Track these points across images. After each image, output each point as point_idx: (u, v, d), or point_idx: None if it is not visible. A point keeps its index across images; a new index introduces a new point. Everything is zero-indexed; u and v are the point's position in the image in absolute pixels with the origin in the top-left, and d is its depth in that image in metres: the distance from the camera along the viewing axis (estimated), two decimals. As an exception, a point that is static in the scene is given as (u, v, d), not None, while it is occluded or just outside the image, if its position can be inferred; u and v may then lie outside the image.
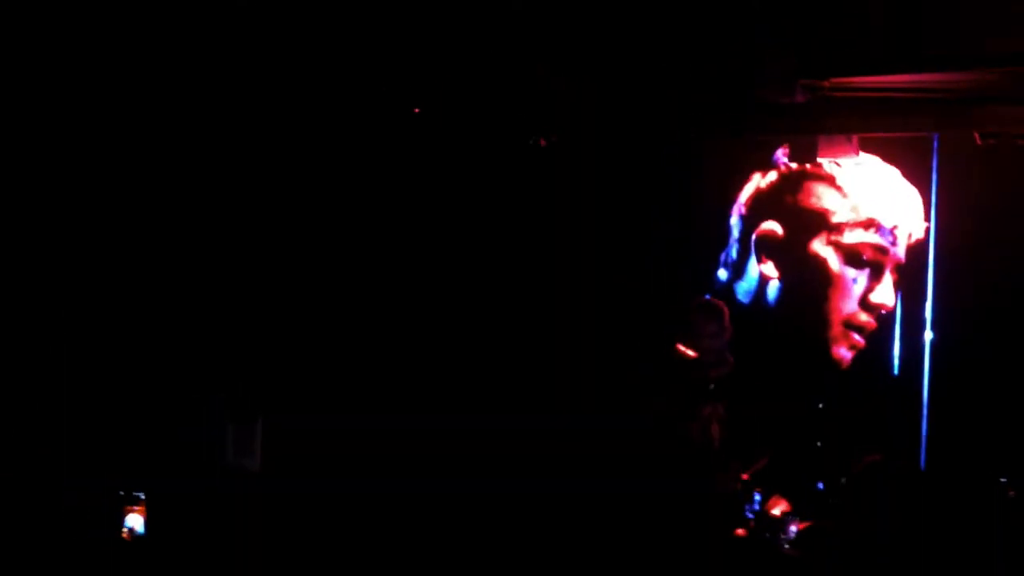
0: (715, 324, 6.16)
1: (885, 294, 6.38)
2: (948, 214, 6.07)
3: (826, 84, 5.57)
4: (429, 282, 6.33)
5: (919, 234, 6.32)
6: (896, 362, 6.33)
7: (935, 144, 6.01)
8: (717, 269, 6.58)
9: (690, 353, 6.18)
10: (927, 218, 6.22)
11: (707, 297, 6.41)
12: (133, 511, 5.93)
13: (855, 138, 5.85)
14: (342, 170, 6.26)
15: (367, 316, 6.33)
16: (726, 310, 6.22)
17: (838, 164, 6.35)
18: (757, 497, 6.18)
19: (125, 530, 5.90)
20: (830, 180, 6.40)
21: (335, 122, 6.25)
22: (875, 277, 6.40)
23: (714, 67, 5.71)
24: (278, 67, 5.97)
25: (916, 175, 6.18)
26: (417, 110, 6.16)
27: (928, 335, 6.20)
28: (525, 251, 6.30)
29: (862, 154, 6.10)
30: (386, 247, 6.32)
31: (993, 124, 5.49)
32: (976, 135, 5.56)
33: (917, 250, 6.28)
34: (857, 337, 6.40)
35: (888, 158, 6.20)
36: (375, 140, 6.26)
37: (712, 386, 6.10)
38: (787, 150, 6.31)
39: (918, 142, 6.04)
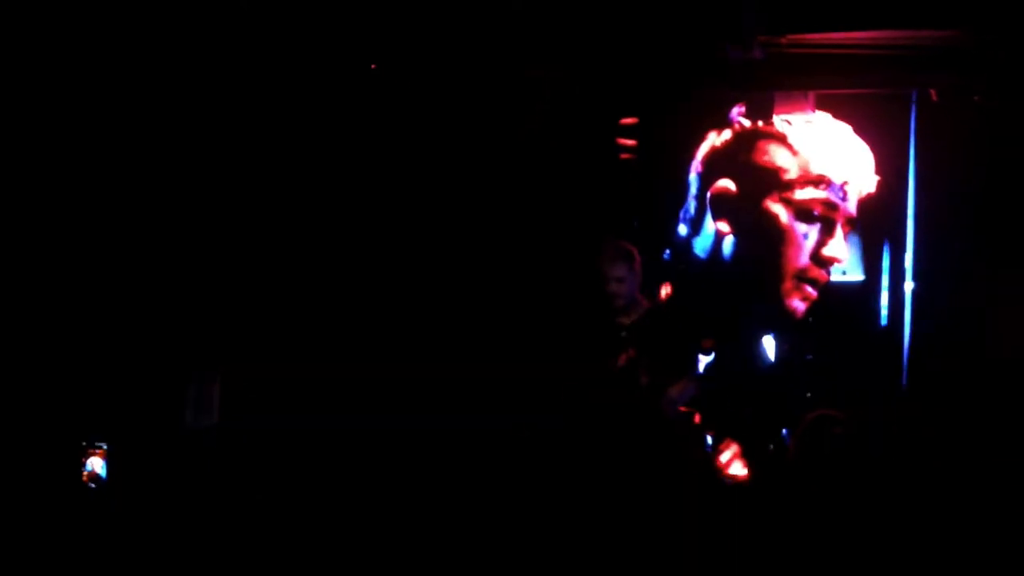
0: (624, 268, 6.21)
1: (836, 248, 6.54)
2: (927, 167, 6.21)
3: (783, 41, 5.73)
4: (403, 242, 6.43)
5: (870, 189, 6.50)
6: (884, 313, 6.49)
7: (913, 99, 6.15)
8: (677, 225, 6.73)
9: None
10: (897, 171, 6.37)
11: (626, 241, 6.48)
12: (94, 454, 6.08)
13: (812, 95, 6.03)
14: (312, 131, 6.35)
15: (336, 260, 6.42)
16: (637, 256, 6.26)
17: (789, 122, 6.50)
18: (709, 440, 6.32)
19: (86, 472, 6.06)
20: (782, 138, 6.53)
21: (300, 84, 6.33)
22: (826, 232, 6.54)
23: (672, 25, 5.84)
24: (265, 45, 6.04)
25: (893, 130, 6.31)
26: (374, 66, 6.23)
27: (909, 286, 6.38)
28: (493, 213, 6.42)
29: (813, 111, 6.28)
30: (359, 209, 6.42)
31: (951, 81, 5.67)
32: (933, 93, 5.75)
33: (897, 201, 6.42)
34: (810, 289, 6.56)
35: (865, 114, 6.33)
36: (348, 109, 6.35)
37: (624, 334, 6.19)
38: (743, 108, 6.47)
39: (896, 98, 6.18)
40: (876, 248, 6.53)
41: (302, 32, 5.98)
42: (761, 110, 6.14)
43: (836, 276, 6.52)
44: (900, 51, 5.64)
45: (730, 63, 5.76)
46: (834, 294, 6.44)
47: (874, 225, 6.47)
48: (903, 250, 6.32)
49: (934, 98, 5.79)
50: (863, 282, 6.54)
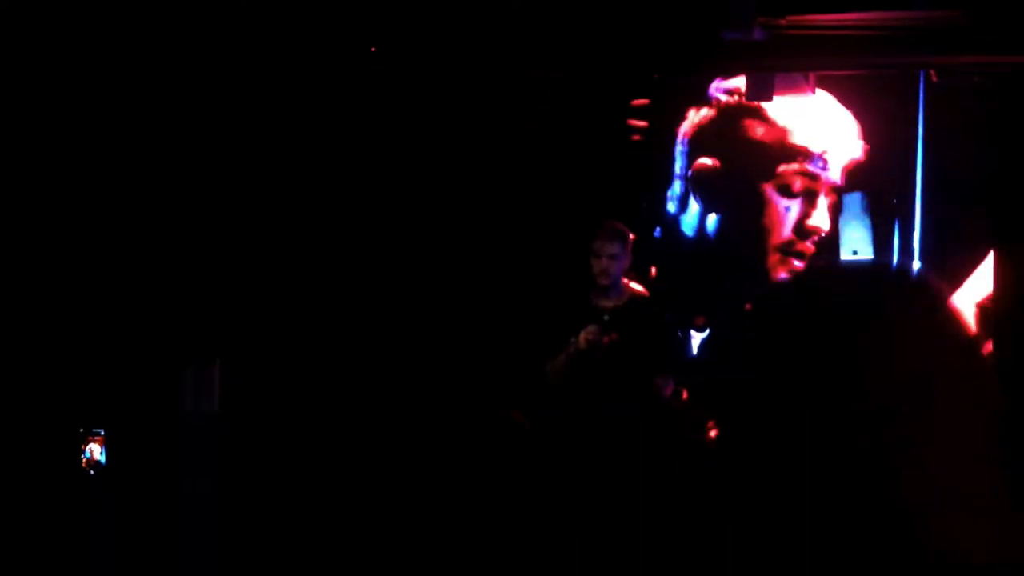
0: (618, 246, 6.24)
1: (820, 219, 6.63)
2: (935, 144, 6.24)
3: (783, 22, 5.72)
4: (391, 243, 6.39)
5: (855, 155, 6.54)
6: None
7: (921, 81, 6.15)
8: (666, 204, 6.75)
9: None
10: (904, 153, 6.37)
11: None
12: (93, 441, 6.08)
13: (812, 76, 6.05)
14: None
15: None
16: (632, 237, 6.31)
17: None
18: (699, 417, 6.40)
19: (85, 459, 6.06)
20: (761, 113, 6.59)
21: (303, 85, 6.24)
22: (809, 203, 6.63)
23: (671, 11, 5.81)
24: (267, 45, 5.92)
25: (899, 111, 6.32)
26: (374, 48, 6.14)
27: (916, 264, 6.48)
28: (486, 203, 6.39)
29: (813, 92, 6.31)
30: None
31: (950, 62, 5.70)
32: (932, 73, 5.80)
33: (905, 181, 6.43)
34: (796, 262, 6.63)
35: (872, 94, 6.35)
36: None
37: (606, 317, 6.24)
38: (721, 83, 6.50)
39: (902, 79, 6.19)
40: (886, 228, 6.60)
41: (303, 34, 5.87)
42: (761, 91, 6.15)
43: (847, 255, 6.59)
44: (896, 32, 5.67)
45: (729, 46, 5.74)
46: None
47: (884, 205, 6.54)
48: (911, 229, 6.41)
49: (934, 78, 5.84)
50: (873, 261, 6.63)
